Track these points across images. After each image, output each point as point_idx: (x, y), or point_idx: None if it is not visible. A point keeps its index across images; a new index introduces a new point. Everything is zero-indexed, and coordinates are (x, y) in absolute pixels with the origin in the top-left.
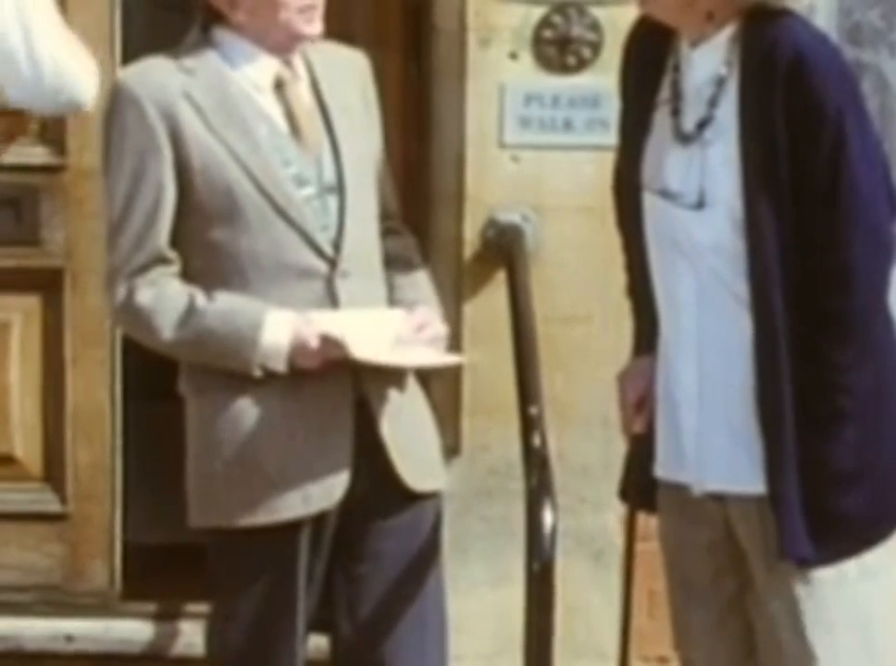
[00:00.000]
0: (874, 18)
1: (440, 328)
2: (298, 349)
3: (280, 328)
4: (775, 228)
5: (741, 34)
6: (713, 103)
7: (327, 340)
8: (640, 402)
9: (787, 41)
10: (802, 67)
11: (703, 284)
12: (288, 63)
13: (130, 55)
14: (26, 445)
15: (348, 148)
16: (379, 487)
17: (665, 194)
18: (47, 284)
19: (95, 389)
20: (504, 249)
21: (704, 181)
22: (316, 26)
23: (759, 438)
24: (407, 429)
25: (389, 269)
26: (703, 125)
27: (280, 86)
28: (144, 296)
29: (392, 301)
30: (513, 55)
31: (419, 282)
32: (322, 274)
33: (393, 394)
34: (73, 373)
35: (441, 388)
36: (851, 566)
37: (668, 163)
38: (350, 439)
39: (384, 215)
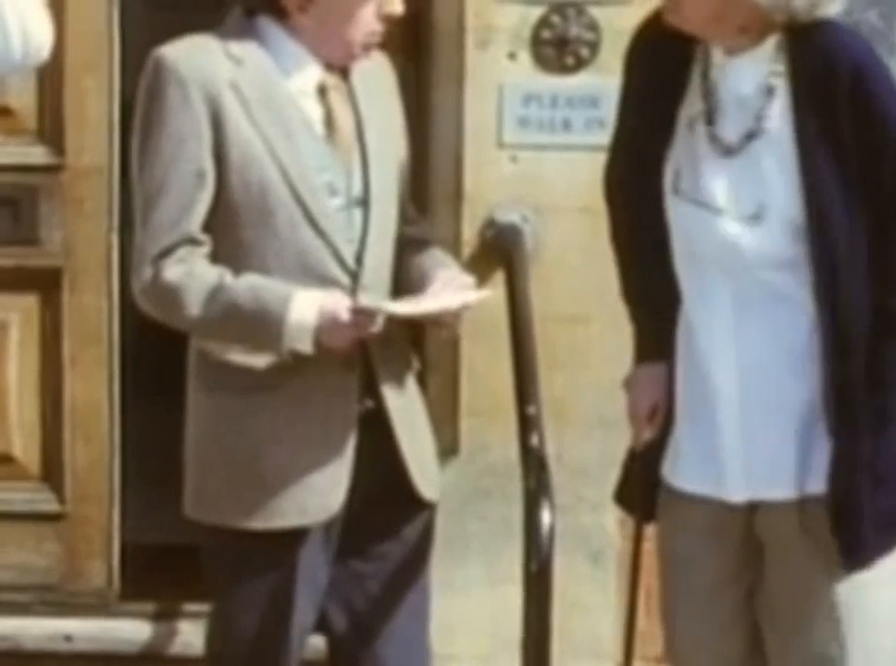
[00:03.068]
0: (873, 17)
1: (465, 279)
2: (327, 324)
3: (308, 304)
4: (843, 237)
5: (788, 45)
6: (760, 115)
7: (359, 312)
8: (651, 411)
9: (844, 51)
10: (865, 77)
11: (742, 295)
12: (331, 69)
13: (129, 55)
14: (24, 445)
15: (376, 161)
16: (391, 495)
17: (708, 207)
18: (45, 284)
19: (94, 389)
20: (503, 249)
21: (760, 194)
22: (369, 55)
23: (826, 442)
24: (418, 439)
25: (404, 253)
26: (750, 137)
27: (322, 91)
28: (172, 273)
29: (410, 280)
30: (511, 56)
31: (435, 253)
32: (344, 285)
33: (406, 403)
34: (71, 372)
35: (439, 387)
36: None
37: (708, 173)
38: (352, 456)
39: (408, 220)
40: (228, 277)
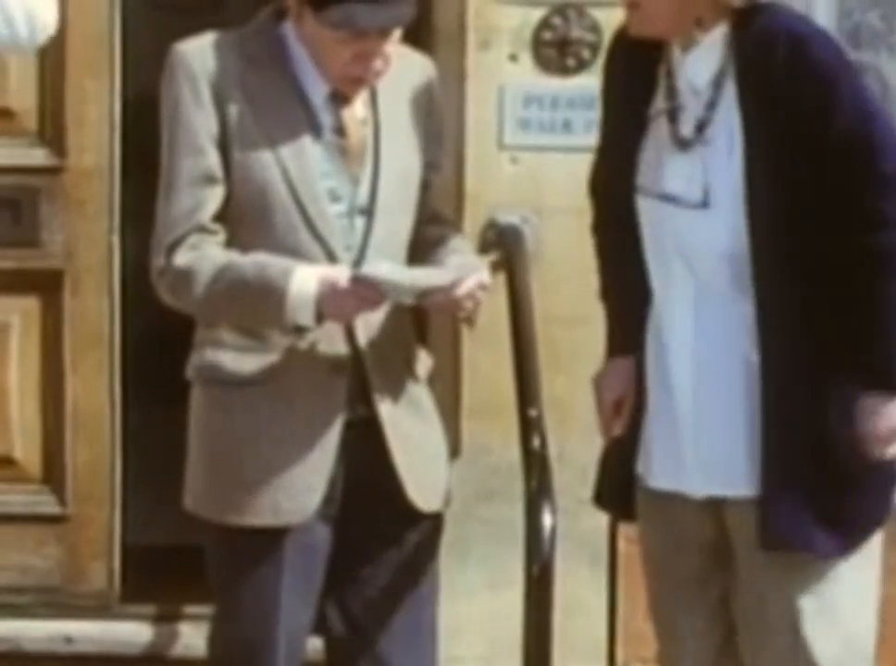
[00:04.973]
0: (874, 19)
1: (476, 262)
2: (327, 292)
3: (309, 274)
4: (788, 218)
5: (733, 34)
6: (711, 105)
7: (359, 281)
8: (617, 405)
9: (780, 27)
10: (802, 45)
11: (701, 287)
12: None
13: (130, 56)
14: (25, 447)
15: (388, 171)
16: (387, 503)
17: (666, 198)
18: (47, 286)
19: (95, 391)
20: (504, 250)
21: (708, 180)
22: (357, 89)
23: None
24: (417, 448)
25: (427, 251)
26: (701, 127)
27: (335, 98)
28: (184, 258)
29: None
30: (512, 57)
31: (452, 244)
32: None
33: (404, 412)
34: (72, 375)
35: (441, 389)
36: (848, 562)
37: (668, 167)
38: (333, 461)
39: (435, 219)
40: (235, 256)
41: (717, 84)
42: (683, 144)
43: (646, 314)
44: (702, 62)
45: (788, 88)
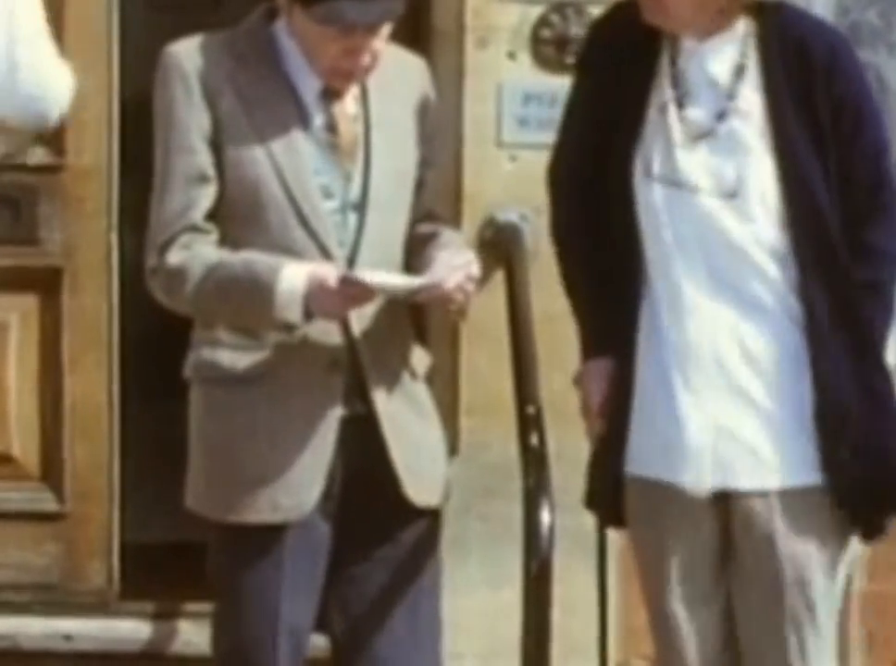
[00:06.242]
0: (872, 17)
1: (464, 256)
2: (315, 290)
3: (298, 272)
4: (828, 221)
5: (757, 26)
6: (731, 95)
7: (348, 282)
8: (603, 405)
9: (817, 32)
10: (839, 59)
11: (720, 277)
12: None
13: (128, 56)
14: (24, 444)
15: (380, 167)
16: (384, 499)
17: (684, 186)
18: (45, 284)
19: (93, 389)
20: (503, 248)
21: (738, 170)
22: (346, 84)
23: (806, 436)
24: (414, 444)
25: (418, 248)
26: (722, 116)
27: (326, 95)
28: (176, 257)
29: (418, 270)
30: (511, 55)
31: (441, 240)
32: None
33: (401, 408)
34: (71, 373)
35: (440, 386)
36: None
37: (683, 156)
38: (330, 458)
39: (429, 217)
40: (226, 254)
41: (738, 76)
42: (701, 132)
43: (626, 312)
44: (721, 53)
45: (824, 98)
